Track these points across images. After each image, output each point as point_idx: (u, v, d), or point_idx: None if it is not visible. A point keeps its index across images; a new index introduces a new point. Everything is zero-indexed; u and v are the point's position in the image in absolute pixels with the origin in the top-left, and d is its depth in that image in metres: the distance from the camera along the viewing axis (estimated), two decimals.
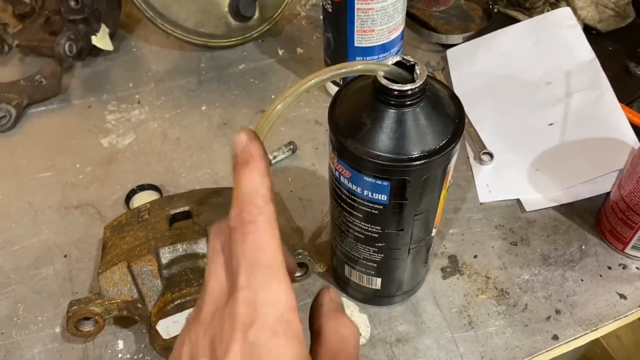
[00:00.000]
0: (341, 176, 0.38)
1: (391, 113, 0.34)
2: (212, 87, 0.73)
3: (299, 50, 0.78)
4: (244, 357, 0.23)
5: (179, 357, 0.26)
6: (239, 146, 0.27)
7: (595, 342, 0.97)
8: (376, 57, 0.62)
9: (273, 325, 0.24)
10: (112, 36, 0.77)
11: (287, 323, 0.24)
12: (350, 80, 0.39)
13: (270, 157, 0.62)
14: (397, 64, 0.35)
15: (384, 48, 0.62)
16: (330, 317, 0.28)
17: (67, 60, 0.71)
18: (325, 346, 0.27)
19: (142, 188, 0.58)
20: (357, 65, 0.35)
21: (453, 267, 0.53)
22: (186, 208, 0.49)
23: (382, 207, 0.38)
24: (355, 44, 0.61)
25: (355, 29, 0.59)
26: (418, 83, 0.34)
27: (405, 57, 0.35)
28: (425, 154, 0.35)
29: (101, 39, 0.74)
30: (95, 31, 0.74)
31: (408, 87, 0.33)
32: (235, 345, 0.23)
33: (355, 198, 0.38)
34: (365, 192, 0.37)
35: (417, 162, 0.34)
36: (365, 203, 0.38)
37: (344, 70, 0.34)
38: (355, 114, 0.36)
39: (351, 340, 0.28)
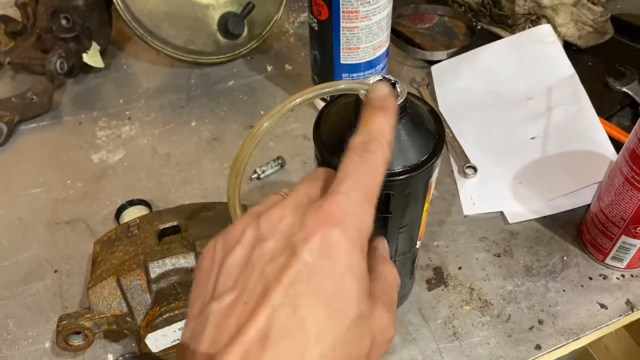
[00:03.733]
0: None
1: None
2: (201, 103, 0.74)
3: (287, 66, 0.79)
4: (321, 250, 0.24)
5: (240, 233, 0.26)
6: (380, 92, 0.30)
7: (584, 352, 0.98)
8: (362, 73, 0.63)
9: (354, 237, 0.25)
10: (102, 53, 0.78)
11: (363, 244, 0.25)
12: (335, 97, 0.40)
13: (259, 171, 0.63)
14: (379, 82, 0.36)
15: (370, 65, 0.63)
16: (383, 261, 0.30)
17: (58, 78, 0.72)
18: (375, 283, 0.28)
19: (132, 203, 0.59)
20: (341, 85, 0.36)
21: (438, 278, 0.54)
22: (175, 223, 0.50)
23: None
24: (342, 61, 0.62)
25: (341, 46, 0.61)
26: (399, 101, 0.35)
27: (386, 75, 0.36)
28: (408, 168, 0.36)
29: (92, 57, 0.75)
30: (86, 49, 0.75)
31: None
32: (316, 237, 0.24)
33: None
34: None
35: (400, 177, 0.36)
36: None
37: (328, 90, 0.36)
38: (339, 131, 0.37)
39: (395, 286, 0.30)
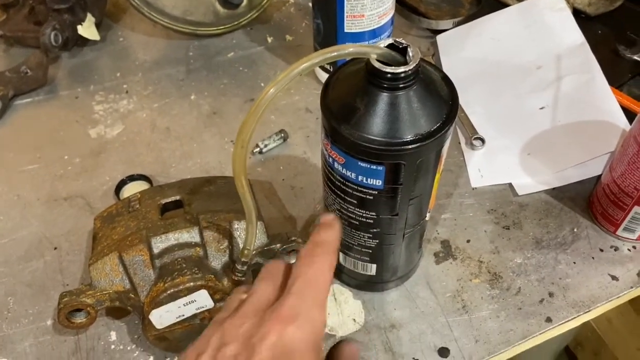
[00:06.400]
0: (335, 162, 0.38)
1: (384, 96, 0.34)
2: (200, 76, 0.72)
3: (288, 37, 0.77)
4: (276, 347, 0.27)
5: (206, 342, 0.29)
6: (328, 217, 0.35)
7: (586, 325, 0.98)
8: (366, 42, 0.61)
9: (308, 335, 0.28)
10: (98, 26, 0.76)
11: (317, 342, 0.29)
12: (342, 64, 0.38)
13: (261, 145, 0.61)
14: (390, 46, 0.34)
15: (374, 34, 0.61)
16: None
17: (53, 51, 0.70)
18: None
19: (132, 178, 0.58)
20: (349, 48, 0.34)
21: (446, 252, 0.53)
22: (177, 197, 0.48)
23: (376, 192, 0.38)
24: (345, 30, 0.60)
25: (345, 14, 0.59)
26: (411, 65, 0.33)
27: (397, 39, 0.34)
28: (420, 137, 0.34)
29: (87, 29, 0.73)
30: (81, 20, 0.72)
31: (401, 69, 0.33)
32: (272, 336, 0.27)
33: (350, 184, 0.38)
34: (360, 178, 0.37)
35: (412, 146, 0.34)
36: (360, 189, 0.38)
37: (335, 54, 0.34)
38: (348, 98, 0.36)
39: None
